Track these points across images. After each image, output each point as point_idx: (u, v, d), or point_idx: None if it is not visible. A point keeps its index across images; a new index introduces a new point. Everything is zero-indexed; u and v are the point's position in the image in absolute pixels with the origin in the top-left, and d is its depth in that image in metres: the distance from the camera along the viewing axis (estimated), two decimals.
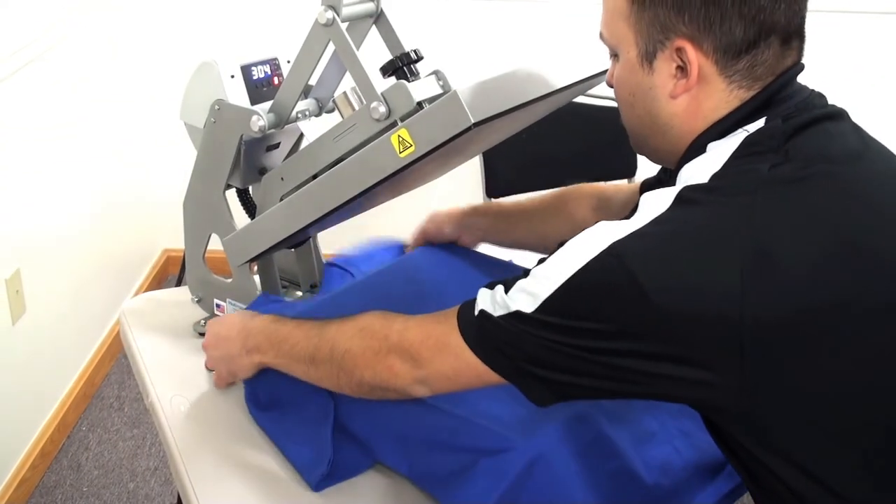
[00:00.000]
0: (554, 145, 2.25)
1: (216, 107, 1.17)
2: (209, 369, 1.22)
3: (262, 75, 1.23)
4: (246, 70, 1.21)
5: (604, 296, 0.81)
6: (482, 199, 2.27)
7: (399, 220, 2.66)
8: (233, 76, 1.19)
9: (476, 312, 0.91)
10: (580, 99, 2.11)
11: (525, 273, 0.88)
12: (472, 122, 0.90)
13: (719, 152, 0.86)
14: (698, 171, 0.86)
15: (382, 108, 1.04)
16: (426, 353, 0.95)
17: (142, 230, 2.76)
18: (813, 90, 0.91)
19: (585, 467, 1.04)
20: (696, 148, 0.89)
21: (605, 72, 1.13)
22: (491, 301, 0.89)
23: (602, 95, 2.30)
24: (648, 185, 1.17)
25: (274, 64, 1.25)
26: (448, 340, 0.92)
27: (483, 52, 2.47)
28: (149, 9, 2.54)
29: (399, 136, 0.95)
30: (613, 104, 2.50)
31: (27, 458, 2.04)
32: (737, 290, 0.77)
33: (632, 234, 0.81)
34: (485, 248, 1.42)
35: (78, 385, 2.30)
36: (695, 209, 0.82)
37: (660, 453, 1.08)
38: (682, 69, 0.87)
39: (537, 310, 0.84)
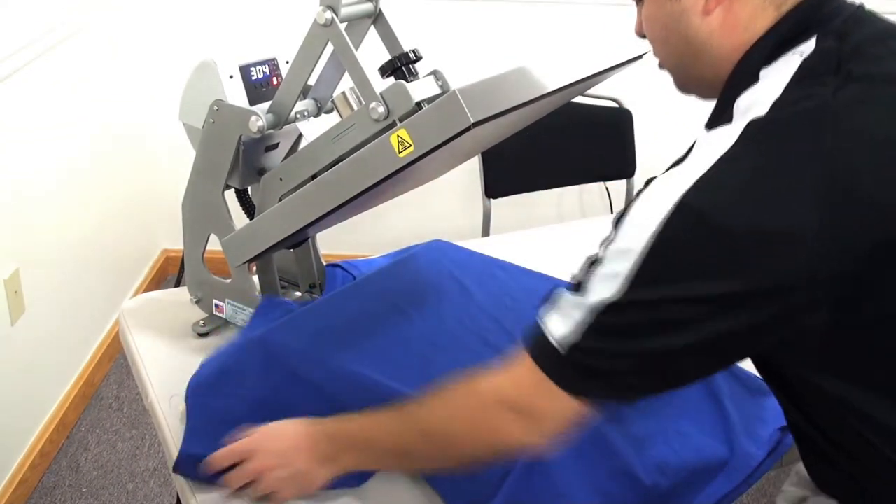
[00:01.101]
0: (554, 145, 2.25)
1: (215, 107, 1.17)
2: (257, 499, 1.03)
3: (260, 75, 1.23)
4: (245, 70, 1.21)
5: (689, 255, 0.77)
6: (482, 199, 2.27)
7: (398, 220, 2.66)
8: (231, 76, 1.19)
9: (556, 344, 0.83)
10: (580, 99, 2.12)
11: (590, 265, 0.83)
12: (472, 121, 0.90)
13: (776, 78, 0.83)
14: (756, 101, 0.83)
15: (381, 109, 1.04)
16: (539, 404, 0.86)
17: (141, 230, 2.76)
18: (860, 5, 0.87)
19: (585, 467, 1.04)
20: (748, 74, 0.86)
21: (604, 73, 1.13)
22: (562, 316, 0.84)
23: (602, 96, 2.30)
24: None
25: (273, 64, 1.25)
26: (549, 388, 0.84)
27: (482, 52, 2.47)
28: (149, 9, 2.54)
29: (398, 136, 0.95)
30: (613, 104, 2.48)
31: (26, 458, 2.04)
32: (817, 218, 0.75)
33: (700, 179, 0.78)
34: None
35: (77, 385, 2.30)
36: (764, 142, 0.79)
37: (658, 454, 1.08)
38: None
39: (622, 290, 0.79)
